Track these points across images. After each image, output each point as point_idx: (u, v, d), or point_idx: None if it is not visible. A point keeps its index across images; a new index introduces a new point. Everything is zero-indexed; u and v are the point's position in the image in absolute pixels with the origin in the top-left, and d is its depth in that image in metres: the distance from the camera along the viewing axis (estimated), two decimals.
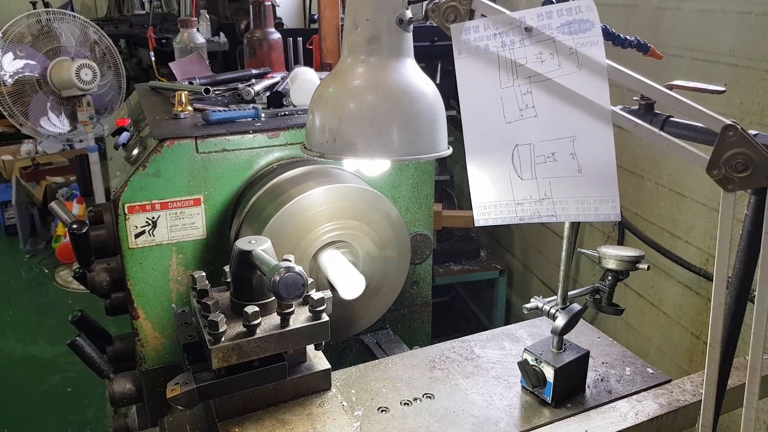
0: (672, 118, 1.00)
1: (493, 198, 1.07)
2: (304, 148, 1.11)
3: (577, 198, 1.02)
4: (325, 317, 1.26)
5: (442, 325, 3.56)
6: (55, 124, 4.25)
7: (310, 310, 1.26)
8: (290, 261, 1.34)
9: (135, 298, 1.67)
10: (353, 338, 1.84)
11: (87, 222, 1.67)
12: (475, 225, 1.09)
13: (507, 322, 3.54)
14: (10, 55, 3.81)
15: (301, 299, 1.15)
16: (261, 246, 1.25)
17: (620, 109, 0.99)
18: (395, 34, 1.05)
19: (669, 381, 1.41)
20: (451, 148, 1.12)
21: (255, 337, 1.20)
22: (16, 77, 3.83)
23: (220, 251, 1.71)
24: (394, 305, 1.88)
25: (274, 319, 1.25)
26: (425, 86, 1.07)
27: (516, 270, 3.52)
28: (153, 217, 1.61)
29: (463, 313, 3.82)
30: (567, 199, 1.02)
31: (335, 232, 1.54)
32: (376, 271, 1.62)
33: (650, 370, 1.45)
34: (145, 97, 2.11)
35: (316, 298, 1.25)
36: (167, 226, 1.63)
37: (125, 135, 1.75)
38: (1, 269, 5.03)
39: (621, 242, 2.58)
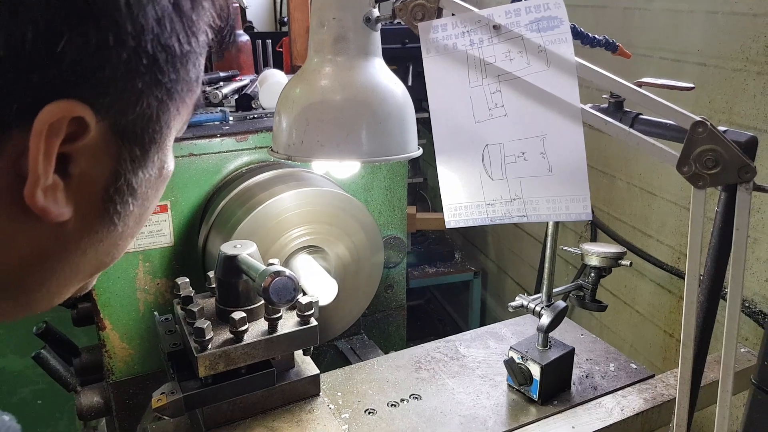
0: (641, 116, 1.00)
1: (463, 199, 1.05)
2: (271, 150, 1.08)
3: (547, 197, 1.01)
4: (313, 322, 1.24)
5: (418, 328, 3.54)
6: None
7: (298, 315, 1.24)
8: (276, 265, 1.30)
9: (101, 309, 1.62)
10: (327, 344, 1.81)
11: None
12: (446, 226, 1.07)
13: (482, 324, 3.53)
14: None
15: (293, 302, 1.12)
16: (247, 250, 1.22)
17: (590, 108, 0.99)
18: (362, 33, 1.02)
19: (653, 376, 1.42)
20: (421, 149, 1.10)
21: (242, 343, 1.17)
22: None
23: (189, 259, 1.66)
24: (368, 310, 1.86)
25: (262, 324, 1.22)
26: (394, 86, 1.05)
27: (490, 271, 3.52)
28: None
29: (438, 315, 3.81)
30: (538, 198, 1.01)
31: (306, 236, 1.51)
32: (349, 276, 1.59)
33: (634, 366, 1.45)
34: None
35: (304, 302, 1.23)
36: None
37: None
38: None
39: (593, 241, 2.60)
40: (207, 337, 1.12)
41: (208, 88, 1.92)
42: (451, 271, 3.27)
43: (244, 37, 2.24)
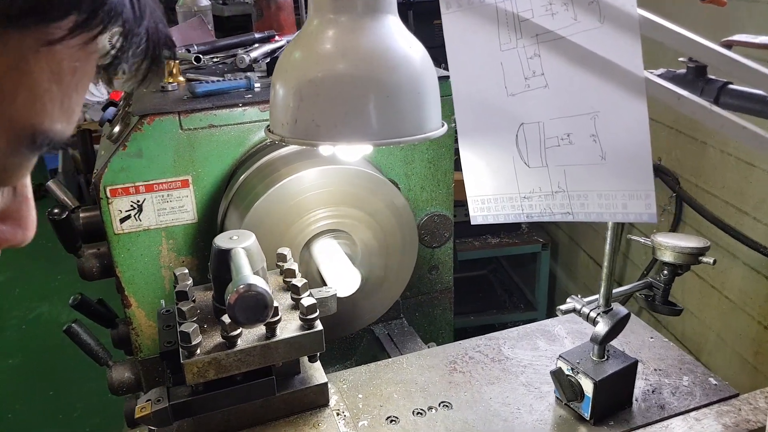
0: (731, 86, 0.75)
1: (492, 190, 0.85)
2: (267, 130, 0.92)
3: (599, 191, 0.79)
4: (318, 326, 1.08)
5: (480, 299, 3.35)
6: (93, 92, 4.40)
7: (300, 318, 1.09)
8: (289, 260, 1.16)
9: (125, 286, 1.56)
10: (363, 329, 1.68)
11: (72, 206, 1.57)
12: (472, 222, 0.88)
13: (551, 299, 3.31)
14: None
15: (264, 322, 0.97)
16: (243, 243, 1.08)
17: (660, 75, 0.75)
18: None
19: (737, 395, 1.18)
20: (446, 126, 0.91)
21: (236, 349, 1.04)
22: None
23: (214, 235, 1.56)
24: (410, 292, 1.70)
25: (259, 328, 1.08)
26: (409, 50, 0.85)
27: (562, 242, 3.26)
28: (138, 201, 1.47)
29: (504, 285, 3.60)
30: (586, 192, 0.80)
31: (330, 219, 1.35)
32: (377, 265, 1.43)
33: (713, 381, 1.21)
34: None
35: (306, 304, 1.07)
36: (154, 210, 1.49)
37: (111, 110, 1.60)
38: (51, 235, 5.13)
39: (678, 218, 2.29)
40: (194, 342, 1.00)
41: (240, 51, 1.77)
42: (516, 242, 3.05)
43: None
